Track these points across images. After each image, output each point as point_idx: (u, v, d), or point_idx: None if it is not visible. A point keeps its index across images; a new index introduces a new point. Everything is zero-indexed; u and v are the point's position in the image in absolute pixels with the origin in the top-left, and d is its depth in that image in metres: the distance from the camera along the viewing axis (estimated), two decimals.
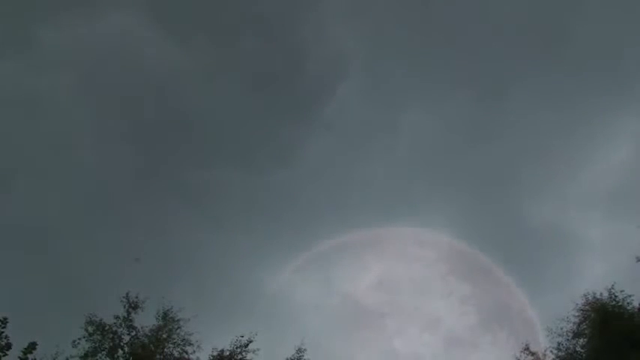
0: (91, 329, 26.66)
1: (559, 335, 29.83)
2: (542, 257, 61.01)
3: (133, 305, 27.66)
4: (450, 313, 58.49)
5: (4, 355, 13.81)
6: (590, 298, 29.22)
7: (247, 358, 28.03)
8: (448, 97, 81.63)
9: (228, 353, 27.88)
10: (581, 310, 29.31)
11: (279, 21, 78.88)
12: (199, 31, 77.90)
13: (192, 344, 27.81)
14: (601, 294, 28.95)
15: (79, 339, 26.27)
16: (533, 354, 30.72)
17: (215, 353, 27.85)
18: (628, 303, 28.28)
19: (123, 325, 27.25)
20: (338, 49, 79.43)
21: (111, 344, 26.67)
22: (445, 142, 79.32)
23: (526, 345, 31.13)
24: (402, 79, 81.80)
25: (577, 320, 29.46)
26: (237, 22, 78.20)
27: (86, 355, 26.10)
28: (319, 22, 79.48)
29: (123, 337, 27.09)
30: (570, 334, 29.65)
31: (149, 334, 27.38)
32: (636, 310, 28.10)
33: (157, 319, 27.90)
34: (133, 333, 27.27)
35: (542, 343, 31.21)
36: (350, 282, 63.90)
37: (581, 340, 29.41)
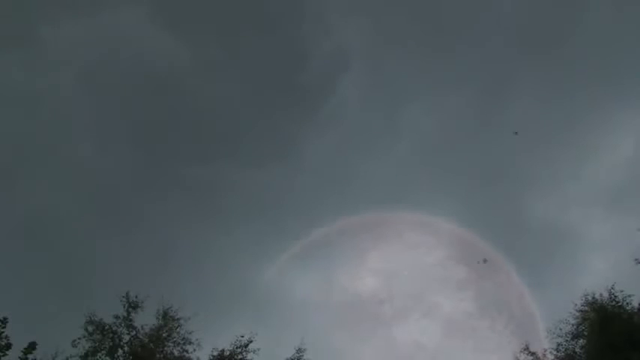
0: (91, 329, 26.71)
1: (558, 336, 29.95)
2: (543, 253, 61.07)
3: (132, 305, 27.68)
4: (449, 299, 58.77)
5: (4, 355, 13.81)
6: (589, 298, 29.31)
7: (247, 358, 28.09)
8: (450, 92, 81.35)
9: (228, 353, 27.90)
10: (581, 310, 29.39)
11: (280, 16, 78.77)
12: (200, 26, 77.83)
13: (192, 343, 27.86)
14: (601, 294, 29.06)
15: (79, 339, 26.35)
16: (533, 354, 30.78)
17: (215, 353, 27.88)
18: (627, 303, 28.34)
19: (123, 324, 27.27)
20: (339, 44, 79.36)
21: (111, 344, 26.70)
22: (446, 137, 79.15)
23: (526, 345, 31.23)
24: (404, 74, 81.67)
25: (576, 321, 29.54)
26: (237, 17, 78.08)
27: (86, 354, 26.13)
28: (320, 18, 79.39)
29: (123, 336, 27.13)
30: (570, 335, 29.73)
31: (149, 333, 27.40)
32: (636, 310, 28.12)
33: (156, 318, 27.94)
34: (133, 332, 27.29)
35: (542, 333, 31.32)
36: (349, 269, 64.12)
37: (581, 340, 29.46)
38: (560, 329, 29.89)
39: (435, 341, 56.28)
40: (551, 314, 31.15)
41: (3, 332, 14.01)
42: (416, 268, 62.50)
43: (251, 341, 28.10)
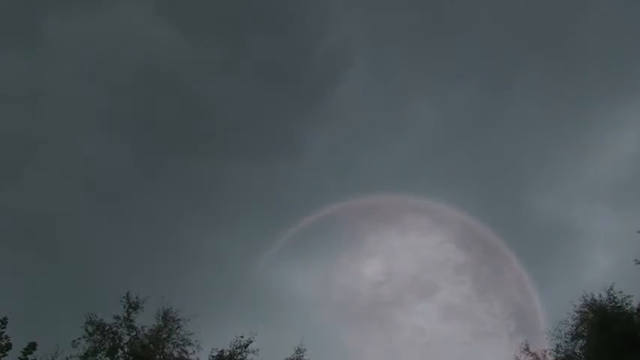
0: (91, 329, 26.75)
1: (557, 337, 29.95)
2: (545, 249, 61.28)
3: (133, 305, 27.73)
4: (447, 282, 59.16)
5: (4, 355, 13.78)
6: (588, 299, 29.31)
7: (247, 358, 28.10)
8: (452, 87, 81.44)
9: (228, 353, 27.91)
10: (580, 311, 29.38)
11: (284, 11, 78.75)
12: (204, 22, 77.93)
13: (192, 344, 27.89)
14: (600, 295, 29.06)
15: (79, 339, 26.40)
16: (532, 354, 30.79)
17: (215, 353, 27.89)
18: (627, 304, 28.33)
19: (123, 325, 27.33)
20: (341, 38, 79.27)
21: (111, 344, 26.74)
22: (449, 132, 79.21)
23: (526, 345, 31.25)
24: (406, 69, 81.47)
25: (575, 322, 29.54)
26: (239, 12, 78.15)
27: (86, 355, 26.16)
28: (323, 12, 79.33)
29: (123, 337, 27.19)
30: (569, 336, 29.72)
31: (149, 334, 27.42)
32: (635, 310, 28.11)
33: (156, 319, 27.98)
34: (133, 333, 27.34)
35: (540, 319, 31.33)
36: (348, 255, 64.41)
37: (580, 341, 29.45)
38: (560, 330, 29.93)
39: (433, 324, 56.90)
40: (551, 308, 31.24)
41: (3, 332, 13.97)
42: (415, 251, 63.02)
43: (251, 341, 28.14)
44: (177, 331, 27.84)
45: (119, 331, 27.19)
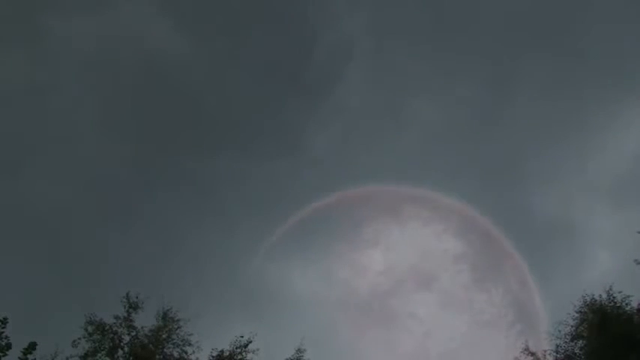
0: (91, 329, 26.77)
1: (557, 337, 29.97)
2: (546, 246, 61.27)
3: (133, 305, 27.75)
4: (445, 272, 59.43)
5: (4, 355, 13.83)
6: (588, 299, 29.33)
7: (247, 358, 28.12)
8: (454, 84, 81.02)
9: (227, 353, 27.93)
10: (580, 311, 29.40)
11: (286, 9, 78.71)
12: (205, 19, 77.82)
13: (191, 344, 27.90)
14: (600, 295, 29.07)
15: (79, 339, 26.41)
16: (532, 354, 30.81)
17: (215, 354, 27.91)
18: (627, 304, 28.35)
19: (123, 325, 27.34)
20: (343, 35, 79.16)
21: (111, 344, 26.76)
22: (451, 129, 78.97)
23: (526, 345, 31.26)
24: (409, 66, 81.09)
25: (575, 322, 29.56)
26: (241, 9, 78.05)
27: (86, 355, 26.18)
28: (324, 8, 79.25)
29: (123, 337, 27.20)
30: (569, 337, 29.74)
31: (149, 334, 27.45)
32: (635, 310, 28.12)
33: (156, 319, 28.00)
34: (133, 333, 27.36)
35: (539, 311, 31.40)
36: (345, 244, 64.44)
37: (580, 341, 29.46)
38: (560, 330, 29.96)
39: (431, 314, 57.19)
40: (550, 302, 31.23)
41: (3, 332, 14.03)
42: (414, 241, 63.16)
43: (250, 341, 28.15)
44: (177, 331, 27.88)
45: (119, 331, 27.21)
